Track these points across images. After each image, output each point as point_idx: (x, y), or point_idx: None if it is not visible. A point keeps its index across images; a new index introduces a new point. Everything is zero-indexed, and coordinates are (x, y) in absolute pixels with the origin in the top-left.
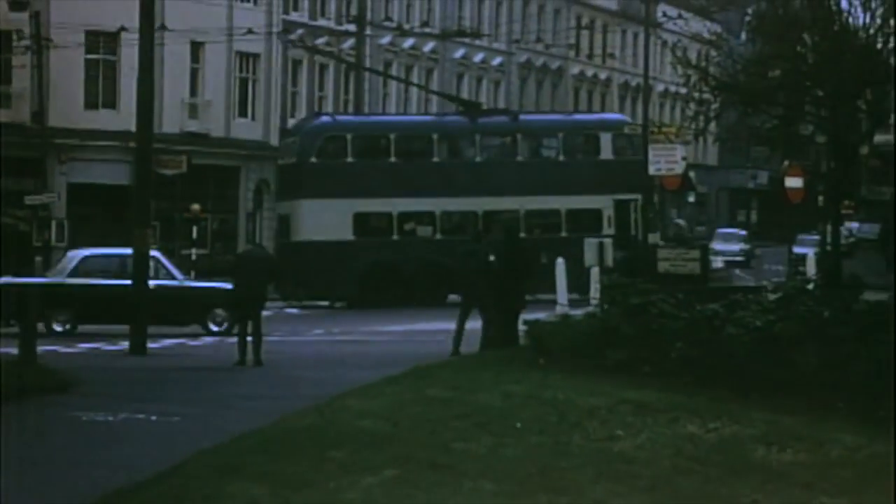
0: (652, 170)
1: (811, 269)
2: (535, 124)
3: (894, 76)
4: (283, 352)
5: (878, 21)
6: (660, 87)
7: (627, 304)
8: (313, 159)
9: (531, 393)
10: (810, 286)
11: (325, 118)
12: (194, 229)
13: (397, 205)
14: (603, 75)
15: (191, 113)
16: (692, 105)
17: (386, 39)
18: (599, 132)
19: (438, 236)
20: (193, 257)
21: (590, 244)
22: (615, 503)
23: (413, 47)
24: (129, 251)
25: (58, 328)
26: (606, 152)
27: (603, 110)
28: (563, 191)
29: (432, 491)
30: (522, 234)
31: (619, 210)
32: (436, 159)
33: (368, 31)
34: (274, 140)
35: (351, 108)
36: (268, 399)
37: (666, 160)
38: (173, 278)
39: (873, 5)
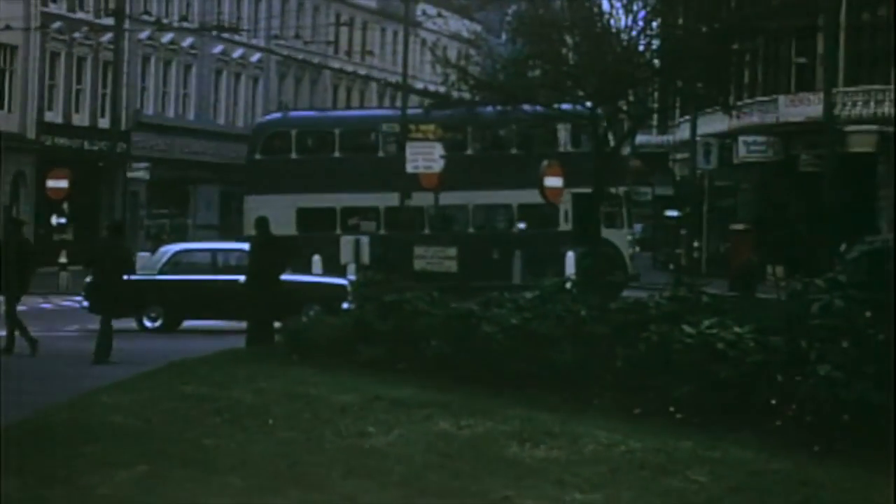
0: (410, 168)
1: (570, 268)
2: (491, 116)
3: None
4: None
5: (641, 23)
6: (419, 86)
7: (382, 301)
8: (258, 156)
9: (284, 389)
10: (568, 285)
11: (274, 115)
12: None
13: (341, 200)
14: (362, 72)
15: None
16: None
17: (145, 34)
18: (557, 124)
19: (382, 231)
20: None
21: (346, 241)
22: (365, 499)
23: (172, 42)
24: (222, 245)
25: (149, 324)
26: (567, 144)
27: (362, 108)
28: (516, 185)
29: (183, 486)
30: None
31: (579, 205)
32: (381, 154)
33: (127, 25)
34: (31, 133)
35: (108, 102)
36: (22, 394)
37: (424, 158)
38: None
39: (635, 8)
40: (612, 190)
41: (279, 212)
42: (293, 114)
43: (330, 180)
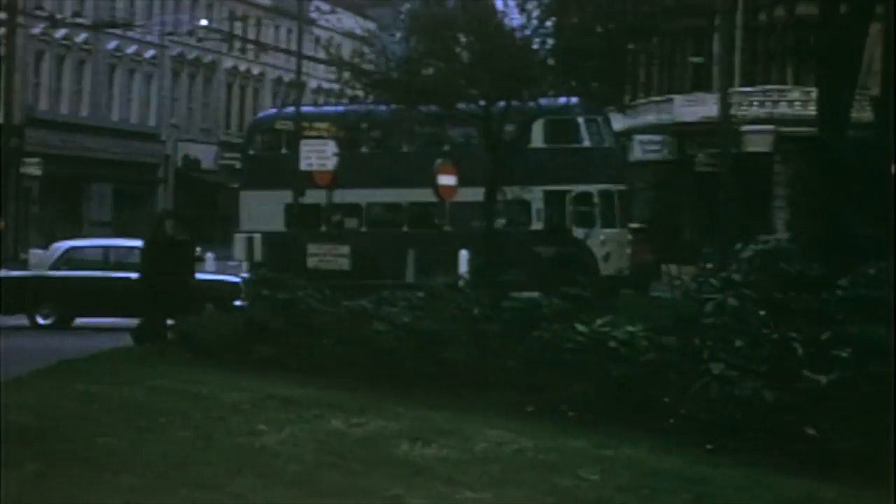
0: (303, 165)
1: (463, 267)
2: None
3: None
4: None
5: (535, 22)
6: (313, 84)
7: (274, 300)
8: (251, 151)
9: (176, 387)
10: (461, 283)
11: (270, 111)
12: None
13: (325, 196)
14: (256, 70)
15: None
16: (345, 101)
17: (38, 29)
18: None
19: (364, 229)
20: None
21: (239, 239)
22: (255, 498)
23: (66, 37)
24: (115, 242)
25: (41, 321)
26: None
27: (256, 106)
28: (495, 182)
29: (73, 485)
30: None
31: (551, 202)
32: (363, 150)
33: (20, 20)
34: None
35: (1, 98)
36: None
37: (318, 156)
38: None
39: (529, 7)
40: (585, 188)
41: (270, 208)
42: (288, 110)
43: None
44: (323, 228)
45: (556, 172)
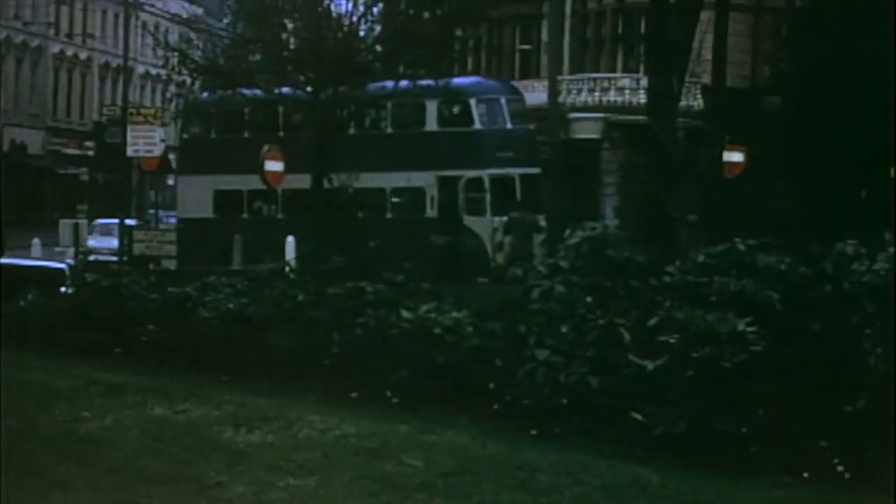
0: (130, 151)
1: (290, 252)
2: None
3: None
4: None
5: (361, 9)
6: (140, 69)
7: (99, 286)
8: (185, 135)
9: None
10: (287, 270)
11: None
12: None
13: (247, 182)
14: (83, 55)
15: None
16: (172, 87)
17: None
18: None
19: (280, 216)
20: None
21: (64, 225)
22: (79, 485)
23: None
24: None
25: None
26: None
27: (84, 91)
28: (389, 167)
29: None
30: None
31: (445, 189)
32: (280, 134)
33: None
34: None
35: None
36: None
37: (145, 142)
38: None
39: None
40: (475, 173)
41: (201, 193)
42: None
43: (239, 162)
44: (245, 215)
45: (450, 157)
